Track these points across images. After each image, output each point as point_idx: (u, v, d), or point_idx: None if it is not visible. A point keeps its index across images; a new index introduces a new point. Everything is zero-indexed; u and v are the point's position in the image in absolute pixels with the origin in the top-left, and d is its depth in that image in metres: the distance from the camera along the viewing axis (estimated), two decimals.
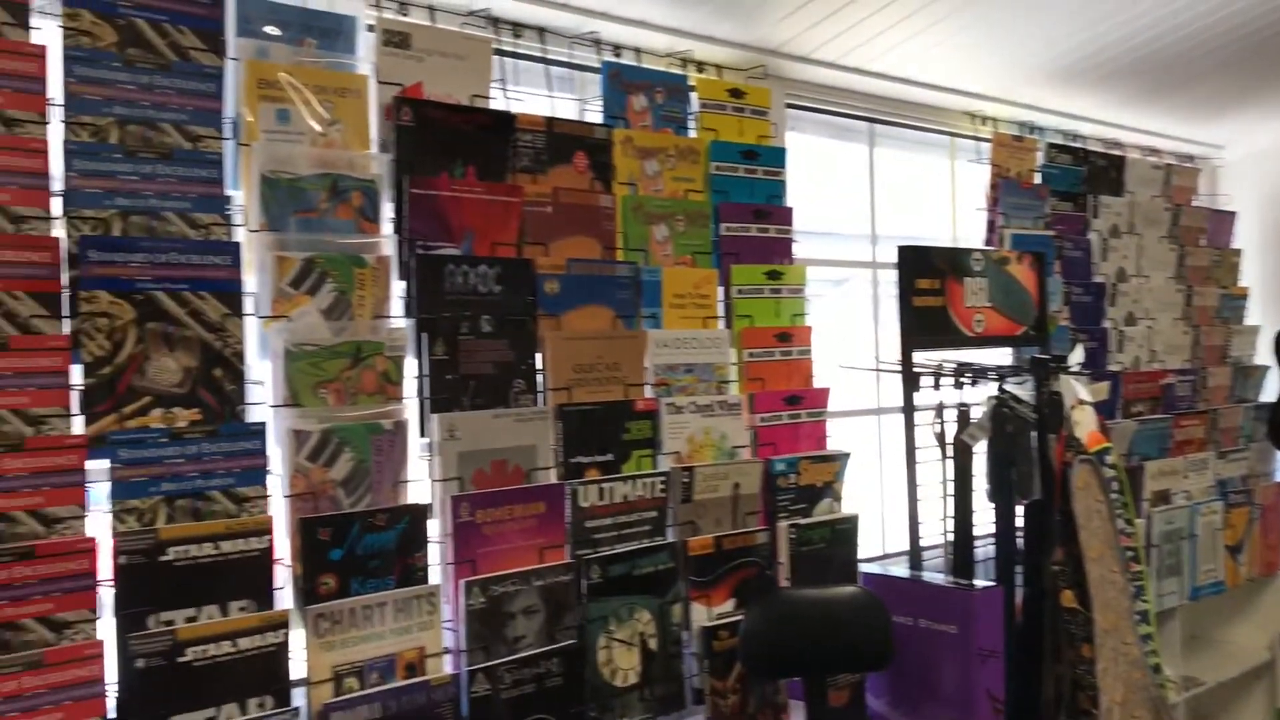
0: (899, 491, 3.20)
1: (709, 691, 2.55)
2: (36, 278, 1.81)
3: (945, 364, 3.15)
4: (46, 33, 1.92)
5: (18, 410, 1.76)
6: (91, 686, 1.75)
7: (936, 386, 3.11)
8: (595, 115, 2.76)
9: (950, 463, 3.13)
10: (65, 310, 1.86)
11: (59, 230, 1.87)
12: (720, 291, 2.84)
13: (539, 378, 2.45)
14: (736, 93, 3.00)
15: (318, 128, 2.18)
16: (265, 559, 1.97)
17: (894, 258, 3.18)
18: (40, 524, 1.75)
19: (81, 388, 1.85)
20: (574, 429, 2.45)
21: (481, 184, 2.40)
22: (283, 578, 2.02)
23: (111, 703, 1.79)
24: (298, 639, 1.99)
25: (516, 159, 2.50)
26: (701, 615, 2.58)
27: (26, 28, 1.86)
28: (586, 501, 2.42)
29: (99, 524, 1.84)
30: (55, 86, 1.89)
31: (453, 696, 2.12)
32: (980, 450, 3.11)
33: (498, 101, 2.55)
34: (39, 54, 1.85)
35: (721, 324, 2.84)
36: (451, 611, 2.21)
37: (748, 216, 2.93)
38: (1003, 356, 3.62)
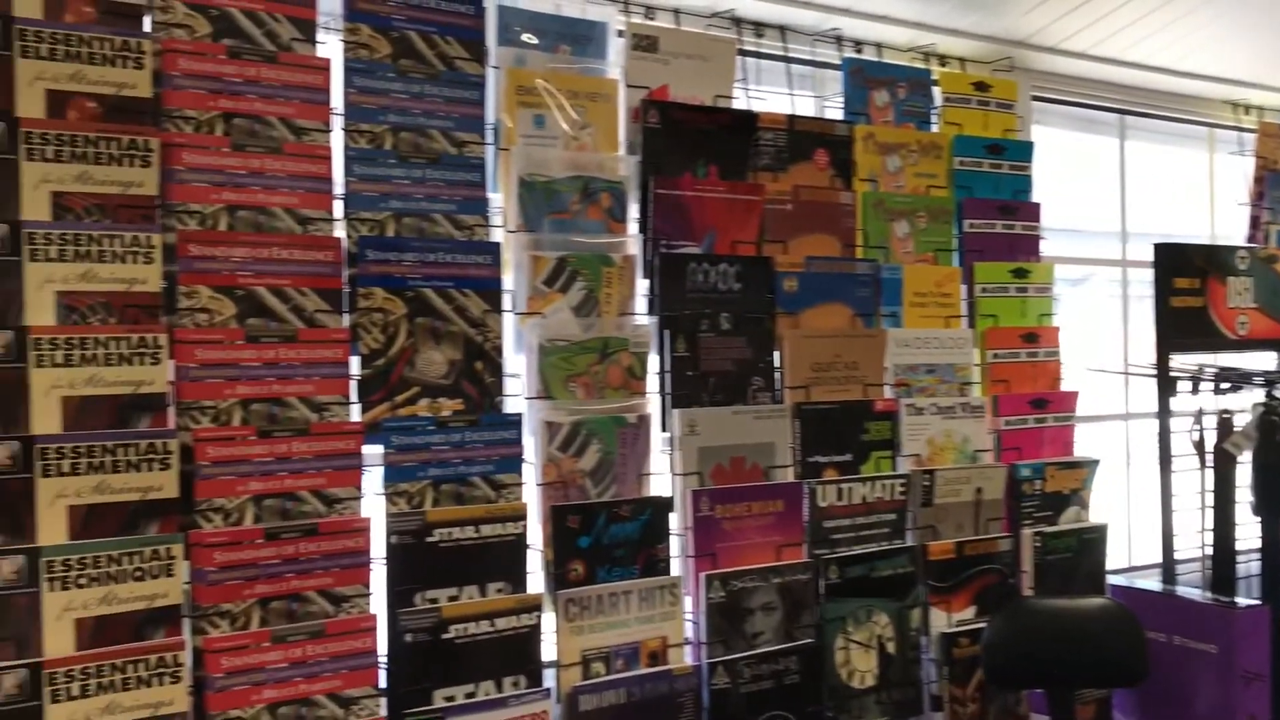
0: (1148, 501, 3.04)
1: (948, 699, 2.50)
2: (321, 275, 1.94)
3: (1205, 368, 2.97)
4: (330, 47, 2.06)
5: (304, 398, 1.90)
6: (365, 658, 1.87)
7: (1195, 391, 2.94)
8: (836, 112, 2.75)
9: (1209, 472, 2.95)
10: (345, 306, 1.99)
11: (340, 231, 2.00)
12: (963, 290, 2.78)
13: (777, 376, 2.46)
14: (982, 86, 2.92)
15: (571, 132, 2.26)
16: (520, 543, 2.06)
17: (1147, 255, 3.02)
18: (322, 503, 1.89)
19: (358, 378, 1.98)
20: (812, 428, 2.45)
21: (724, 183, 2.43)
22: (535, 562, 2.11)
23: (382, 674, 1.91)
24: (548, 622, 2.07)
25: (758, 157, 2.52)
26: (941, 621, 2.52)
27: (313, 43, 2.00)
28: (825, 501, 2.42)
29: (372, 505, 1.96)
30: (337, 97, 2.02)
31: (694, 687, 2.16)
32: (1244, 460, 2.92)
33: (740, 101, 2.57)
34: (324, 67, 1.99)
35: (964, 323, 2.77)
36: (692, 604, 2.24)
37: (992, 213, 2.85)
38: (1268, 361, 3.38)
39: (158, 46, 1.84)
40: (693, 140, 2.41)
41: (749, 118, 2.50)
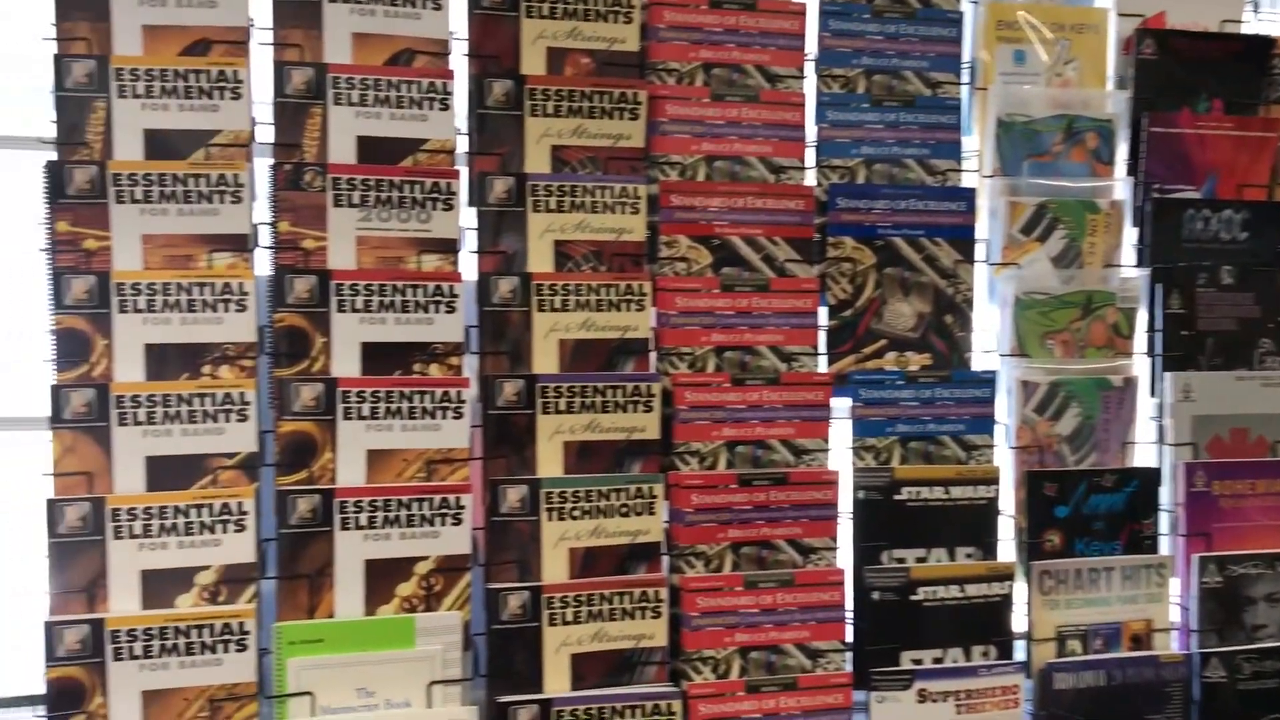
0: None
1: None
2: (792, 224, 1.93)
3: None
4: None
5: (774, 347, 1.90)
6: (832, 611, 1.85)
7: None
8: None
9: None
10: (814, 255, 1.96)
11: (810, 179, 1.97)
12: None
13: None
14: None
15: (1054, 67, 2.09)
16: (991, 509, 1.96)
17: None
18: (791, 454, 1.88)
19: (826, 328, 1.95)
20: None
21: (1230, 119, 2.15)
22: (1007, 530, 1.99)
23: (849, 630, 1.88)
24: (1019, 592, 1.95)
25: (1272, 89, 2.21)
26: None
27: None
28: None
29: (839, 459, 1.93)
30: (811, 42, 1.99)
31: (1183, 677, 1.96)
32: None
33: (1248, 25, 2.26)
34: (799, 12, 1.96)
35: None
36: (1182, 587, 2.03)
37: None
38: None
39: (645, 0, 1.89)
40: (1194, 72, 2.15)
41: (1263, 44, 2.20)
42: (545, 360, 1.79)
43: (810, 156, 1.97)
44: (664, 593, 1.78)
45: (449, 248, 1.78)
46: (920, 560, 1.92)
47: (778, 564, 1.85)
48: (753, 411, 1.86)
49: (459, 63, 1.82)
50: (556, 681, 1.72)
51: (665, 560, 1.82)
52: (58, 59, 1.66)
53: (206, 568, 1.62)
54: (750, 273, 1.91)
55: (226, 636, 1.60)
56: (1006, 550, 1.99)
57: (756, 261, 1.91)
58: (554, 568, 1.75)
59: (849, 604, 1.88)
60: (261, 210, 1.72)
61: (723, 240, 1.89)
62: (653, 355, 1.85)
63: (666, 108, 1.88)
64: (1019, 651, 1.95)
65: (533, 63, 1.84)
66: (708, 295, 1.86)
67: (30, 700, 1.60)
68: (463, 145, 1.82)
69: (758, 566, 1.84)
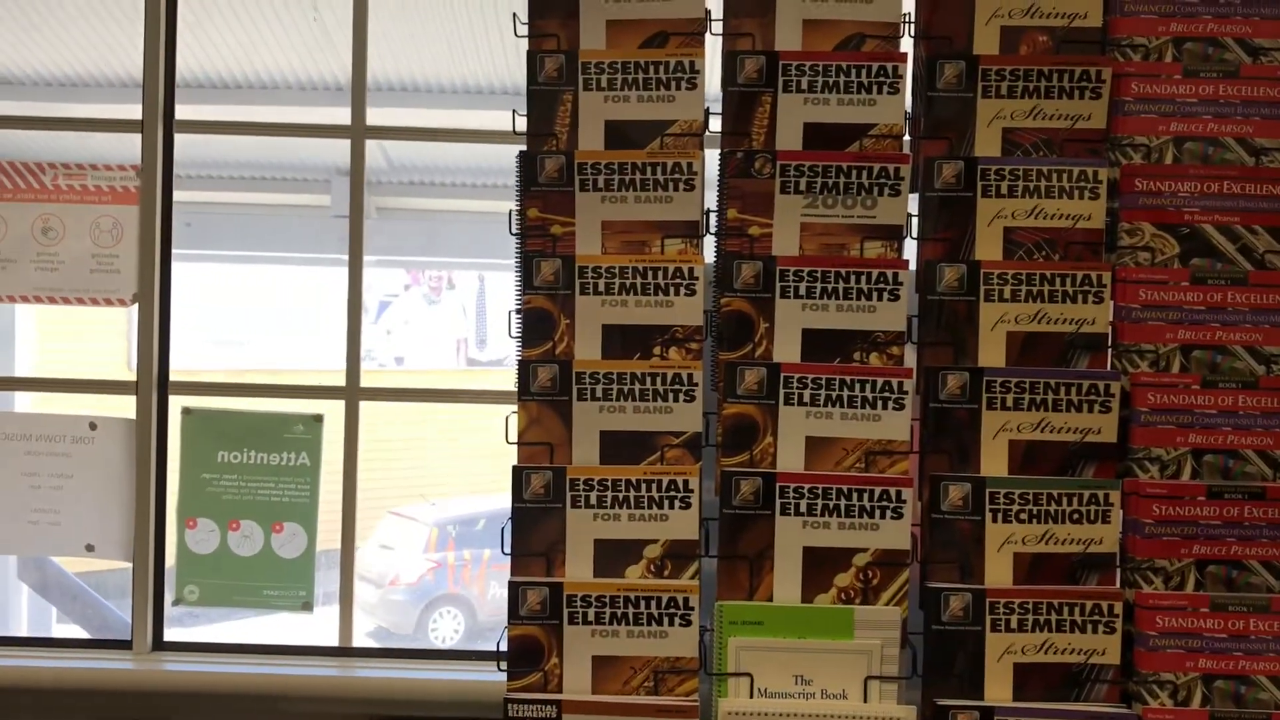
0: None
1: None
2: (1275, 212, 1.73)
3: None
4: None
5: (1251, 347, 1.71)
6: None
7: None
8: None
9: None
10: None
11: None
12: None
13: None
14: None
15: None
16: None
17: None
18: (1267, 466, 1.69)
19: None
20: None
21: None
22: None
23: None
24: None
25: None
26: None
27: None
28: None
29: None
30: None
31: None
32: None
33: None
34: None
35: None
36: None
37: None
38: None
39: None
40: None
41: None
42: (991, 353, 1.71)
43: None
44: (1119, 607, 1.65)
45: (893, 234, 1.73)
46: None
47: (1249, 587, 1.67)
48: (1224, 418, 1.69)
49: (909, 45, 1.78)
50: (998, 690, 1.64)
51: (1118, 573, 1.69)
52: (531, 55, 1.77)
53: (654, 541, 1.67)
54: (1224, 265, 1.73)
55: (672, 610, 1.64)
56: None
57: (1232, 252, 1.73)
58: (998, 571, 1.67)
59: None
60: (710, 197, 1.76)
61: (1193, 229, 1.73)
62: (1109, 352, 1.73)
63: (1131, 86, 1.74)
64: None
65: (986, 42, 1.76)
66: (1175, 288, 1.71)
67: (489, 655, 1.70)
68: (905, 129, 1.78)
69: (1225, 588, 1.67)
